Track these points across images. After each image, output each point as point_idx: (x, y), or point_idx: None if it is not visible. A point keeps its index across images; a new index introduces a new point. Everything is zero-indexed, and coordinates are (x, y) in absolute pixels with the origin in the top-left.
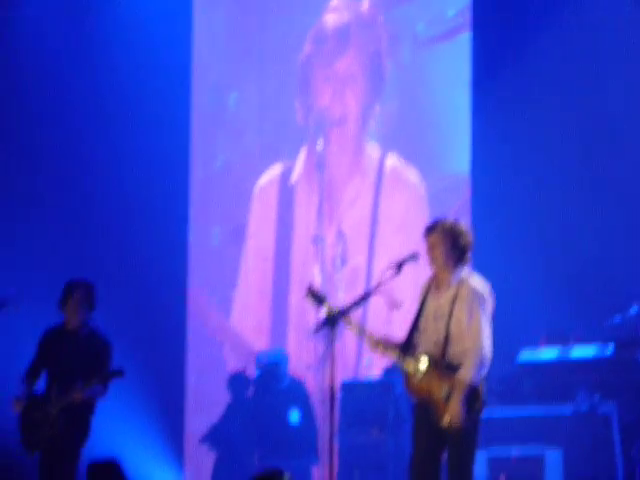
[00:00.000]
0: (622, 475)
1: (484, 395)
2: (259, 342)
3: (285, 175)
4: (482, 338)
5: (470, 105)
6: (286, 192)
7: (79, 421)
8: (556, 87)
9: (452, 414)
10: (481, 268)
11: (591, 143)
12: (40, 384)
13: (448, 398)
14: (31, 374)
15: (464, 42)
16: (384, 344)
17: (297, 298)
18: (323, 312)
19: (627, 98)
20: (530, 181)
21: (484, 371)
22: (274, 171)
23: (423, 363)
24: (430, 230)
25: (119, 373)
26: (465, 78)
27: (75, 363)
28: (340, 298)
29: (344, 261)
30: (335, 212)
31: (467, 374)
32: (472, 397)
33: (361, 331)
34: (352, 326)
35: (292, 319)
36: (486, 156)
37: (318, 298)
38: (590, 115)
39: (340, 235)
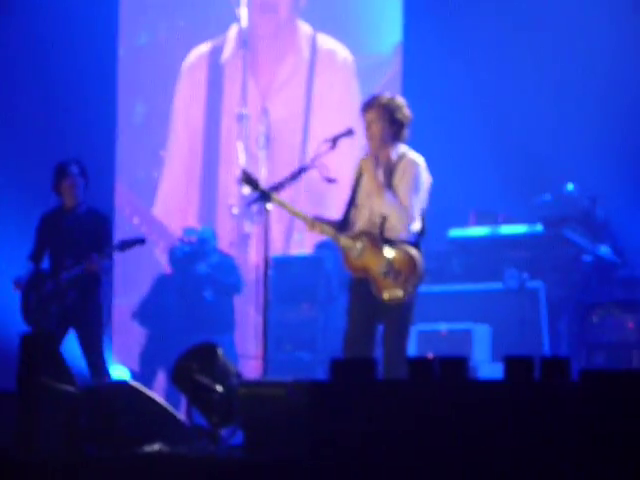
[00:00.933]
0: (548, 349)
1: (423, 269)
2: (186, 221)
3: (214, 53)
4: (411, 200)
5: None
6: (215, 70)
7: (91, 294)
8: None
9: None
10: (412, 145)
11: (527, 22)
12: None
13: (387, 273)
14: (35, 257)
15: None
16: (319, 222)
17: (224, 177)
18: (253, 191)
19: None
20: (462, 57)
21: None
22: (203, 48)
23: (360, 239)
24: (367, 106)
25: (140, 241)
26: None
27: (80, 238)
28: (263, 176)
29: (268, 139)
30: (264, 91)
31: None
32: (412, 271)
33: (293, 209)
34: (284, 204)
35: (219, 198)
36: (416, 32)
37: (252, 182)
38: None
39: (265, 113)
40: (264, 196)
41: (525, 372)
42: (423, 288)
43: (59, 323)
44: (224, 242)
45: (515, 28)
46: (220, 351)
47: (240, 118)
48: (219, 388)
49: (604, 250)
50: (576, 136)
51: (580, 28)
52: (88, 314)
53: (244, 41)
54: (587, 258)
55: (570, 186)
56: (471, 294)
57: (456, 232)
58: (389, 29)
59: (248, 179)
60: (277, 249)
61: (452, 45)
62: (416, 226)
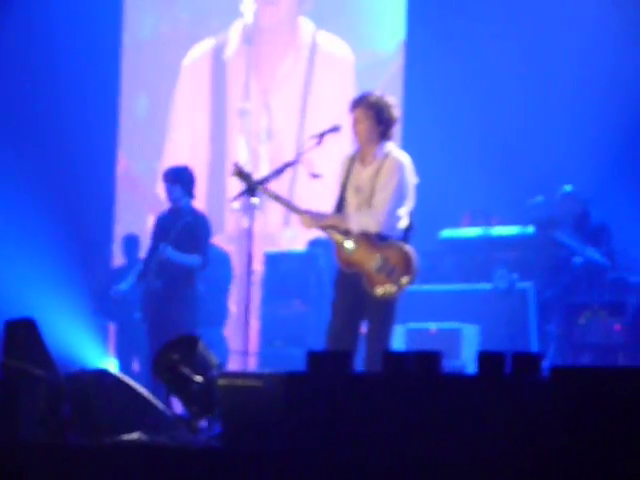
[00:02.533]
0: (536, 349)
1: (417, 267)
2: None
3: (217, 50)
4: (386, 209)
5: None
6: (218, 67)
7: (179, 292)
8: None
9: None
10: (408, 145)
11: (526, 24)
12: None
13: (381, 269)
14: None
15: None
16: (313, 217)
17: (226, 172)
18: (244, 184)
19: None
20: (461, 57)
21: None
22: (205, 45)
23: (354, 235)
24: (355, 104)
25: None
26: None
27: (178, 237)
28: (263, 171)
29: (270, 135)
30: (266, 86)
31: (352, 218)
32: (405, 269)
33: (287, 203)
34: (278, 197)
35: (225, 193)
36: (419, 30)
37: (243, 175)
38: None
39: (267, 108)
40: (251, 189)
41: (496, 367)
42: (414, 287)
43: (156, 316)
44: (227, 237)
45: (513, 31)
46: (201, 343)
47: (242, 113)
48: (199, 379)
49: (594, 252)
50: (571, 138)
51: (576, 29)
52: (172, 307)
53: (248, 36)
54: (577, 260)
55: (568, 187)
56: (461, 294)
57: (448, 232)
58: (393, 26)
59: (240, 172)
60: (273, 244)
61: (452, 44)
62: (401, 224)
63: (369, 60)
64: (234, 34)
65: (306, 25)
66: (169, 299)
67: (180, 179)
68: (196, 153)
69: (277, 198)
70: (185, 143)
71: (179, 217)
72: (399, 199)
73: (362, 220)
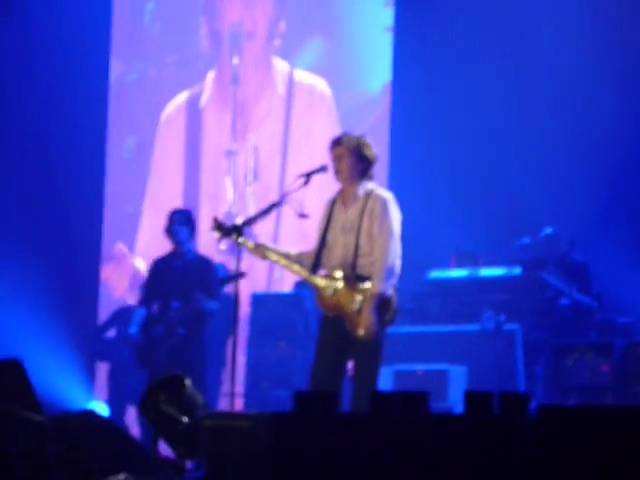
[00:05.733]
0: (524, 390)
1: (396, 306)
2: None
3: (192, 100)
4: (390, 247)
5: (392, 23)
6: (194, 115)
7: (196, 334)
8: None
9: (365, 326)
10: (395, 186)
11: (510, 67)
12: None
13: (360, 310)
14: (145, 301)
15: None
16: (291, 261)
17: (207, 215)
18: (225, 237)
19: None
20: (447, 100)
21: (394, 280)
22: (180, 98)
23: (335, 278)
24: (335, 143)
25: (240, 275)
26: None
27: (187, 282)
28: (251, 212)
29: (256, 175)
30: (248, 127)
31: (377, 285)
32: (384, 308)
33: (259, 249)
34: (251, 245)
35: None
36: (405, 75)
37: (223, 229)
38: (512, 39)
39: (253, 149)
40: (238, 231)
41: (483, 407)
42: (401, 328)
43: (170, 363)
44: None
45: (500, 71)
46: (188, 383)
47: (228, 154)
48: (185, 419)
49: (581, 294)
50: (557, 179)
51: (561, 69)
52: (192, 353)
53: (234, 77)
54: (564, 301)
55: (549, 229)
56: (448, 335)
57: (435, 274)
58: (378, 68)
59: (219, 227)
60: (261, 287)
61: (439, 86)
62: (388, 262)
63: (355, 101)
64: (209, 83)
65: (280, 64)
66: (193, 346)
67: (188, 221)
68: (174, 199)
69: (258, 247)
70: (165, 191)
71: (187, 261)
72: (397, 238)
73: (383, 278)
